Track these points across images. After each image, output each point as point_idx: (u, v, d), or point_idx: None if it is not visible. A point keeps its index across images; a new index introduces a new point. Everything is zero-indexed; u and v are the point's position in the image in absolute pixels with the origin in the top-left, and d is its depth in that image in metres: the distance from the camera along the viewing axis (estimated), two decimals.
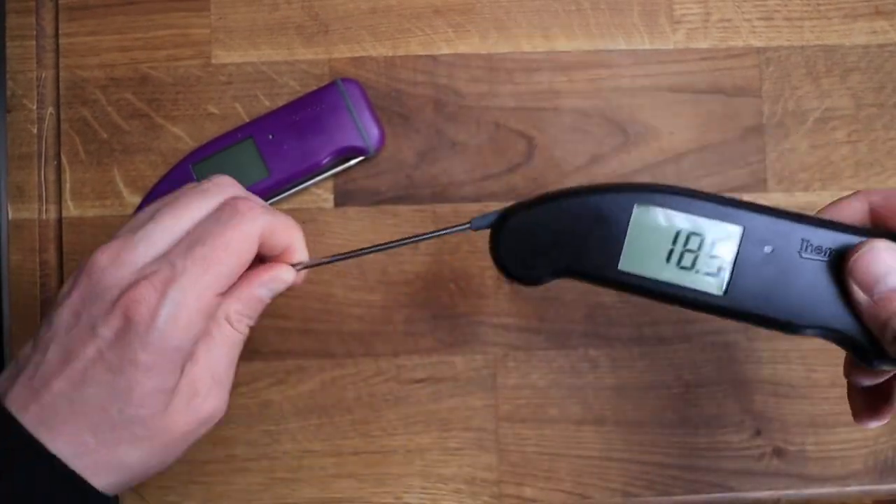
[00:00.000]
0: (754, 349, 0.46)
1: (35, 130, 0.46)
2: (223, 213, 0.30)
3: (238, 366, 0.45)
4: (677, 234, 0.31)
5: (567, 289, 0.46)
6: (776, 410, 0.46)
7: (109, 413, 0.29)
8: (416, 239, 0.34)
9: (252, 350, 0.45)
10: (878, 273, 0.29)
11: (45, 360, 0.29)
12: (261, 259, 0.32)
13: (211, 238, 0.30)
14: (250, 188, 0.44)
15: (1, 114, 0.45)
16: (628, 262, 0.31)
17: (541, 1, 0.47)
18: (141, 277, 0.29)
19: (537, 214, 0.32)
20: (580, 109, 0.47)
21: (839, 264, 0.30)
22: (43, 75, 0.46)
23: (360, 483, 0.45)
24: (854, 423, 0.35)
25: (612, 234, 0.31)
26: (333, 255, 0.34)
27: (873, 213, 0.32)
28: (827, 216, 0.32)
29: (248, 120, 0.46)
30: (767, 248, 0.30)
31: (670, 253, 0.31)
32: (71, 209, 0.45)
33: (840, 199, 0.32)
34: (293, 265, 0.33)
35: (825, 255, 0.30)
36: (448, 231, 0.34)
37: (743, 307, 0.30)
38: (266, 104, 0.46)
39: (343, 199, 0.46)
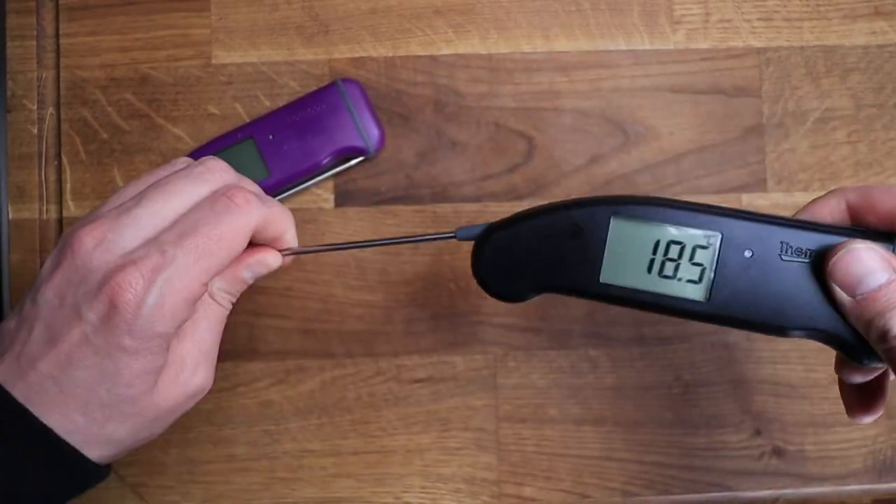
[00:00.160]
0: (754, 349, 0.46)
1: (35, 130, 0.46)
2: (218, 203, 0.30)
3: (238, 366, 0.45)
4: (657, 244, 0.31)
5: None
6: (776, 410, 0.46)
7: (97, 394, 0.29)
8: (399, 241, 0.34)
9: (252, 350, 0.45)
10: (859, 274, 0.29)
11: (31, 340, 0.29)
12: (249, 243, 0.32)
13: (205, 229, 0.29)
14: None
15: (1, 114, 0.45)
16: (609, 275, 0.31)
17: (541, 1, 0.47)
18: (128, 262, 0.28)
19: (516, 232, 0.32)
20: (580, 109, 0.47)
21: (821, 265, 0.30)
22: (43, 75, 0.46)
23: (360, 483, 0.45)
24: (850, 420, 0.35)
25: (591, 248, 0.31)
26: (318, 245, 0.34)
27: (851, 210, 0.32)
28: (805, 216, 0.32)
29: (248, 120, 0.46)
30: (748, 253, 0.30)
31: (651, 262, 0.31)
32: (71, 209, 0.45)
33: (817, 199, 0.32)
34: (280, 251, 0.33)
35: (806, 256, 0.30)
36: (432, 238, 0.34)
37: (727, 313, 0.31)
38: (266, 104, 0.46)
39: (343, 199, 0.46)
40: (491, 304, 0.46)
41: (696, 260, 0.31)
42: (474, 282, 0.45)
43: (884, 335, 0.28)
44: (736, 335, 0.46)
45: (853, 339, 0.30)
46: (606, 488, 0.45)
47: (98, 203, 0.45)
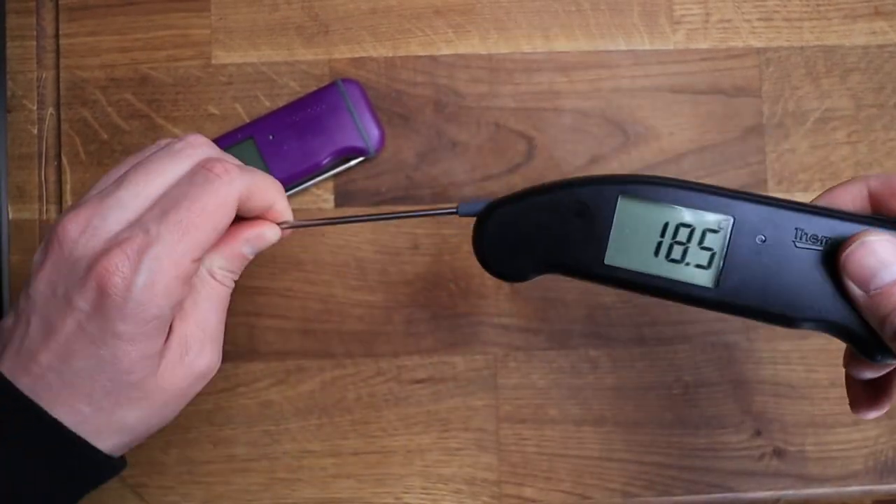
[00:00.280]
0: (754, 350, 0.46)
1: (35, 131, 0.46)
2: (198, 175, 0.29)
3: (238, 366, 0.45)
4: (665, 226, 0.30)
5: (567, 289, 0.46)
6: (776, 411, 0.46)
7: (100, 382, 0.28)
8: (400, 216, 0.33)
9: (252, 350, 0.45)
10: (873, 267, 0.28)
11: (29, 334, 0.29)
12: (242, 219, 0.32)
13: (186, 202, 0.28)
14: None
15: (1, 114, 0.45)
16: (614, 256, 0.30)
17: (541, 1, 0.47)
18: (113, 245, 0.28)
19: (520, 209, 0.31)
20: (580, 110, 0.47)
21: (836, 254, 0.29)
22: (43, 76, 0.46)
23: (360, 483, 0.45)
24: (853, 418, 0.34)
25: (597, 227, 0.30)
26: (317, 219, 0.34)
27: (872, 198, 0.31)
28: (824, 202, 0.31)
29: (248, 120, 0.46)
30: (760, 238, 0.29)
31: (659, 245, 0.30)
32: None
33: (837, 185, 0.31)
34: (279, 224, 0.32)
35: (821, 244, 0.29)
36: (435, 213, 0.33)
37: (736, 300, 0.29)
38: (266, 105, 0.46)
39: (343, 199, 0.46)
40: (491, 304, 0.46)
41: (706, 244, 0.29)
42: (475, 282, 0.46)
43: None
44: (736, 335, 0.46)
45: (866, 334, 0.29)
46: (607, 489, 0.45)
47: None
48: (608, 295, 0.46)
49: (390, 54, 0.46)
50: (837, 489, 0.45)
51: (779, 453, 0.46)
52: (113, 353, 0.28)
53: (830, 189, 0.32)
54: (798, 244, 0.29)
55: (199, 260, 0.29)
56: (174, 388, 0.30)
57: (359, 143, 0.44)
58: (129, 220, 0.29)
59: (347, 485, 0.45)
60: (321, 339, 0.45)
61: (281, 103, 0.45)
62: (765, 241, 0.29)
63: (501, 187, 0.46)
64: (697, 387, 0.46)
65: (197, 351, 0.30)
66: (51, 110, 0.46)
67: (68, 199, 0.45)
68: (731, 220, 0.29)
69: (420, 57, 0.47)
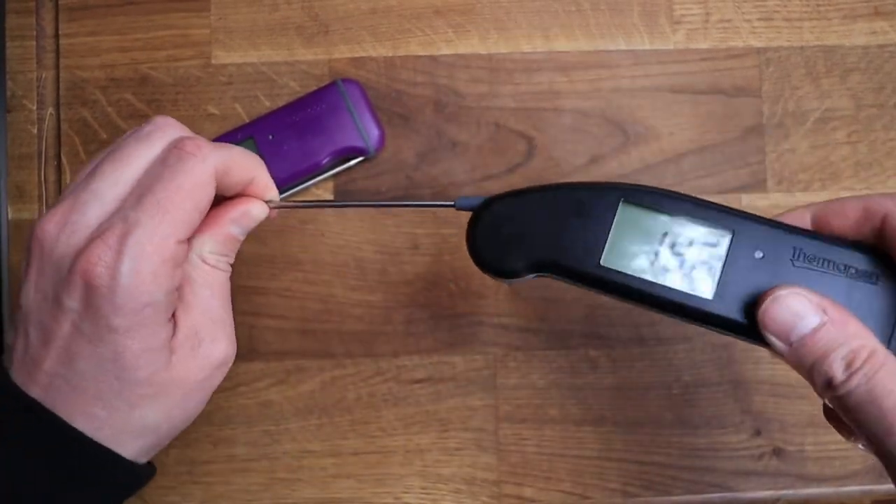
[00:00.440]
0: (754, 349, 0.46)
1: (35, 131, 0.46)
2: (170, 156, 0.29)
3: (238, 366, 0.45)
4: (665, 235, 0.30)
5: (567, 289, 0.46)
6: (775, 410, 0.46)
7: (107, 382, 0.27)
8: (395, 204, 0.34)
9: (252, 350, 0.45)
10: (789, 321, 0.28)
11: (30, 344, 0.28)
12: (229, 198, 0.31)
13: (161, 184, 0.28)
14: None
15: (1, 114, 0.45)
16: (610, 259, 0.30)
17: (541, 1, 0.47)
18: (94, 237, 0.27)
19: (518, 204, 0.31)
20: (580, 109, 0.47)
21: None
22: (43, 76, 0.46)
23: (360, 483, 0.45)
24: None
25: (596, 228, 0.30)
26: (306, 200, 0.33)
27: (815, 222, 0.31)
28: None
29: (248, 120, 0.46)
30: (758, 254, 0.29)
31: (657, 253, 0.30)
32: None
33: (784, 213, 0.32)
34: (266, 202, 0.32)
35: (819, 264, 0.29)
36: (432, 205, 0.33)
37: (729, 314, 0.29)
38: (266, 104, 0.46)
39: (343, 199, 0.46)
40: (491, 304, 0.46)
41: (704, 256, 0.30)
42: (474, 282, 0.46)
43: (828, 383, 0.27)
44: None
45: None
46: (606, 489, 0.45)
47: None
48: None
49: (390, 54, 0.46)
50: (836, 489, 0.46)
51: (778, 453, 0.46)
52: (113, 349, 0.27)
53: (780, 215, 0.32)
54: (796, 263, 0.29)
55: (184, 241, 0.28)
56: (190, 380, 0.29)
57: (359, 143, 0.44)
58: (108, 212, 0.28)
59: (347, 485, 0.45)
60: (321, 339, 0.45)
61: (281, 103, 0.45)
62: (763, 256, 0.29)
63: (501, 187, 0.46)
64: (697, 387, 0.46)
65: (210, 340, 0.30)
66: (51, 110, 0.46)
67: None
68: (731, 234, 0.30)
69: (420, 57, 0.47)
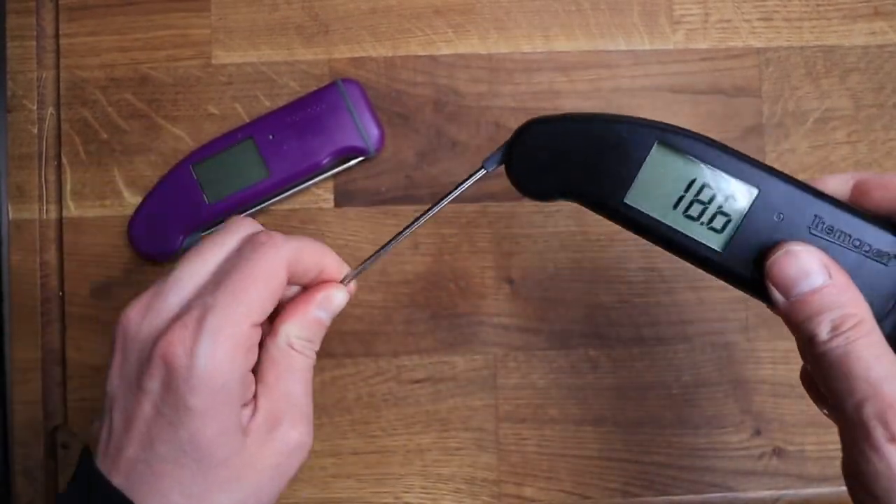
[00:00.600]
0: (754, 349, 0.46)
1: (35, 131, 0.46)
2: (245, 247, 0.30)
3: None
4: (692, 182, 0.30)
5: (567, 289, 0.46)
6: (776, 410, 0.46)
7: (187, 466, 0.28)
8: (436, 207, 0.34)
9: None
10: (795, 276, 0.28)
11: (113, 430, 0.29)
12: (305, 289, 0.32)
13: (236, 271, 0.29)
14: (250, 188, 0.44)
15: (1, 114, 0.45)
16: (635, 197, 0.31)
17: (541, 1, 0.47)
18: (174, 320, 0.28)
19: (558, 129, 0.31)
20: (580, 109, 0.47)
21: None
22: (43, 76, 0.46)
23: (360, 483, 0.45)
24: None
25: (627, 165, 0.30)
26: (370, 257, 0.33)
27: (856, 188, 0.31)
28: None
29: (248, 120, 0.46)
30: (778, 217, 0.30)
31: (680, 199, 0.30)
32: (71, 209, 0.45)
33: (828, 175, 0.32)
34: (341, 281, 0.33)
35: (835, 236, 0.30)
36: (466, 182, 0.34)
37: (738, 268, 0.30)
38: (266, 104, 0.46)
39: (343, 199, 0.46)
40: (491, 304, 0.46)
41: (725, 209, 0.30)
42: (474, 282, 0.46)
43: (811, 340, 0.28)
44: (736, 335, 0.46)
45: None
46: (606, 489, 0.45)
47: (97, 202, 0.45)
48: (608, 295, 0.46)
49: (390, 54, 0.46)
50: (836, 489, 0.46)
51: (778, 453, 0.46)
52: (190, 432, 0.28)
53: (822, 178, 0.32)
54: (812, 231, 0.30)
55: (258, 325, 0.30)
56: (265, 464, 0.30)
57: (359, 143, 0.44)
58: (188, 298, 0.29)
59: (347, 485, 0.45)
60: None
61: (281, 103, 0.45)
62: (782, 219, 0.30)
63: (501, 187, 0.46)
64: (697, 386, 0.46)
65: (288, 425, 0.30)
66: (51, 110, 0.46)
67: (68, 198, 0.45)
68: (756, 191, 0.30)
69: (420, 57, 0.47)
